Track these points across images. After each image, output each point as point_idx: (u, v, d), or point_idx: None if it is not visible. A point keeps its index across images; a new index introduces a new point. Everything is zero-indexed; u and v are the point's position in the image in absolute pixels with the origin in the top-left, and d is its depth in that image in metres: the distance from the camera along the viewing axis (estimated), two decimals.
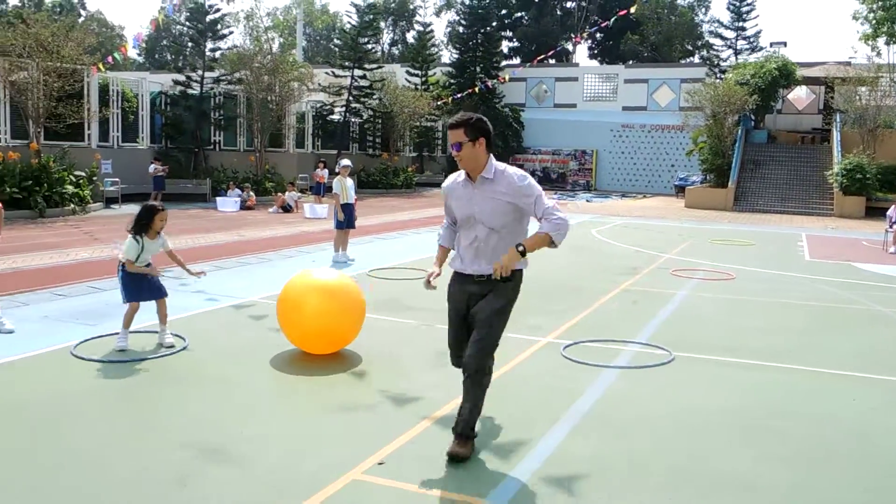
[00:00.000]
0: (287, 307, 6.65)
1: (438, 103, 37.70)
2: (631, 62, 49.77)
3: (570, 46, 55.00)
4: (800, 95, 40.28)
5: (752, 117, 34.92)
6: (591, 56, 63.75)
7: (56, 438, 4.76)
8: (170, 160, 24.98)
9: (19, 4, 59.59)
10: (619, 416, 5.47)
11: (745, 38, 44.61)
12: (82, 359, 6.44)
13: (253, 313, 8.45)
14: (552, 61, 49.25)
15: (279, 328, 6.83)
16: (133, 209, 21.49)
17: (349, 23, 38.25)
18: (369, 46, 38.07)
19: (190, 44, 31.99)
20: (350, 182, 12.47)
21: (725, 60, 43.72)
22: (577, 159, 42.72)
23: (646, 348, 7.43)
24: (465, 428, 4.50)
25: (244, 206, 22.53)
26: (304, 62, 32.68)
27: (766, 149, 33.53)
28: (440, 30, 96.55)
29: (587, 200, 33.26)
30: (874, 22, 29.17)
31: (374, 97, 35.87)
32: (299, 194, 24.82)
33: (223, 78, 27.83)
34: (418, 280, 10.92)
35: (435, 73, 42.69)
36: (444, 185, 4.82)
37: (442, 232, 4.93)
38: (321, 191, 24.51)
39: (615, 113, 42.74)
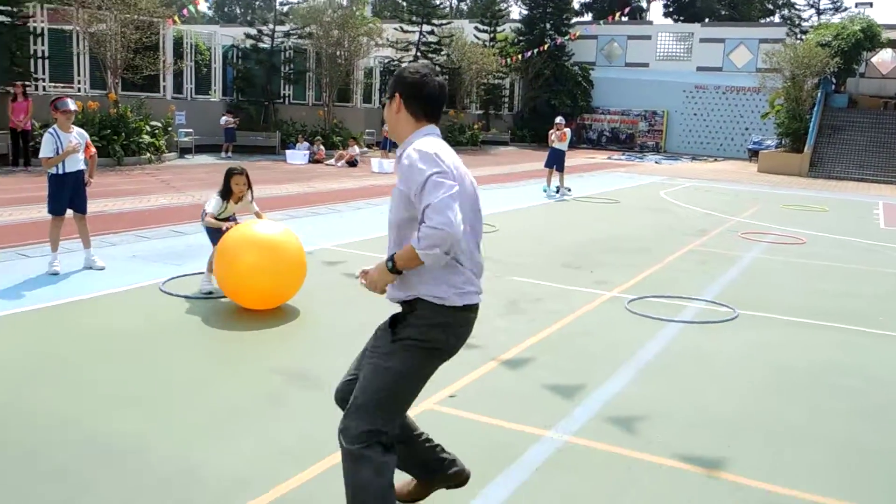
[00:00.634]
0: (224, 262, 6.49)
1: (507, 60, 37.51)
2: (707, 20, 48.56)
3: (644, 3, 53.88)
4: (884, 59, 38.80)
5: (833, 81, 33.89)
6: (666, 14, 62.26)
7: (159, 361, 5.24)
8: (241, 113, 25.60)
9: None
10: (682, 366, 5.69)
11: None
12: (171, 294, 6.93)
13: (327, 259, 8.86)
14: (625, 18, 48.36)
15: (351, 273, 7.21)
16: (205, 160, 22.17)
17: None
18: (438, 1, 38.00)
19: None
20: None
21: (807, 20, 42.51)
22: (646, 120, 42.13)
23: (710, 305, 7.59)
24: None
25: (313, 160, 23.05)
26: (372, 17, 32.88)
27: (846, 114, 32.56)
28: None
29: (656, 162, 32.89)
30: None
31: (442, 53, 35.89)
32: (364, 149, 25.20)
33: (293, 32, 28.24)
34: (487, 234, 11.22)
35: (504, 30, 42.38)
36: None
37: None
38: (388, 146, 24.86)
39: (689, 73, 41.88)
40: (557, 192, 17.19)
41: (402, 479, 3.42)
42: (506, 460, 3.97)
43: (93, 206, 11.81)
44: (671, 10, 61.74)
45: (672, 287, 8.27)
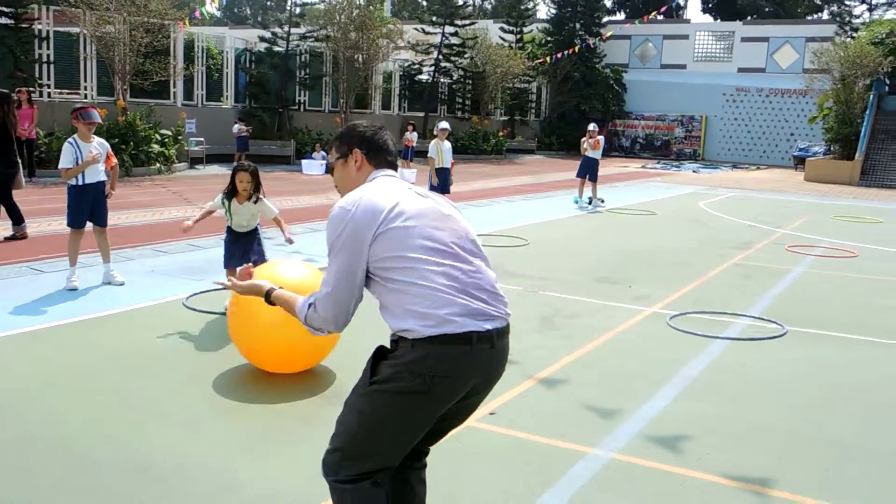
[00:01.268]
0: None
1: (534, 63, 37.79)
2: (749, 18, 48.67)
3: (681, 0, 54.05)
4: None
5: (887, 82, 33.85)
6: (705, 11, 62.38)
7: (191, 377, 5.50)
8: (254, 120, 26.02)
9: None
10: (729, 383, 5.86)
11: None
12: (195, 310, 7.20)
13: None
14: (660, 17, 48.57)
15: None
16: (217, 170, 22.52)
17: None
18: (461, 1, 38.40)
19: None
20: (447, 145, 13.02)
21: (858, 17, 42.50)
22: (683, 125, 42.24)
23: (757, 322, 7.75)
24: None
25: (329, 170, 23.36)
26: (391, 17, 33.31)
27: None
28: None
29: (694, 171, 32.99)
30: None
31: (465, 56, 36.24)
32: None
33: (309, 35, 28.69)
34: (517, 248, 11.49)
35: (531, 31, 42.74)
36: None
37: None
38: (409, 155, 25.17)
39: (729, 75, 41.98)
40: (590, 203, 17.39)
41: None
42: (552, 477, 4.17)
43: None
44: (710, 6, 61.85)
45: (716, 303, 8.43)
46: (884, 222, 17.18)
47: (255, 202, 7.10)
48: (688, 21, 48.37)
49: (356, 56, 28.00)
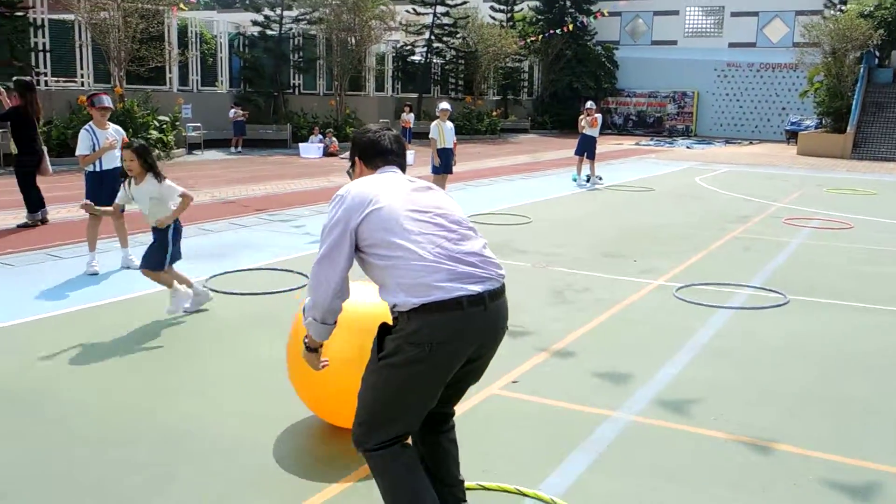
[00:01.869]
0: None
1: (527, 41, 37.85)
2: None
3: None
4: None
5: (877, 54, 34.07)
6: None
7: (227, 355, 5.73)
8: (249, 104, 26.14)
9: None
10: (737, 350, 6.12)
11: None
12: (217, 291, 7.40)
13: None
14: None
15: None
16: (216, 155, 22.66)
17: None
18: None
19: None
20: (449, 125, 13.19)
21: None
22: (675, 102, 42.45)
23: (760, 292, 8.01)
24: None
25: (327, 153, 23.56)
26: None
27: (892, 89, 32.76)
28: None
29: (687, 147, 33.24)
30: None
31: (458, 36, 36.30)
32: None
33: (302, 17, 28.74)
34: (521, 225, 11.72)
35: (522, 9, 42.76)
36: None
37: None
38: (408, 136, 25.32)
39: (720, 50, 42.14)
40: (588, 181, 17.60)
41: None
42: (577, 437, 4.43)
43: None
44: None
45: (719, 274, 8.69)
46: (877, 194, 17.45)
47: (160, 181, 6.64)
48: None
49: (349, 38, 28.07)
